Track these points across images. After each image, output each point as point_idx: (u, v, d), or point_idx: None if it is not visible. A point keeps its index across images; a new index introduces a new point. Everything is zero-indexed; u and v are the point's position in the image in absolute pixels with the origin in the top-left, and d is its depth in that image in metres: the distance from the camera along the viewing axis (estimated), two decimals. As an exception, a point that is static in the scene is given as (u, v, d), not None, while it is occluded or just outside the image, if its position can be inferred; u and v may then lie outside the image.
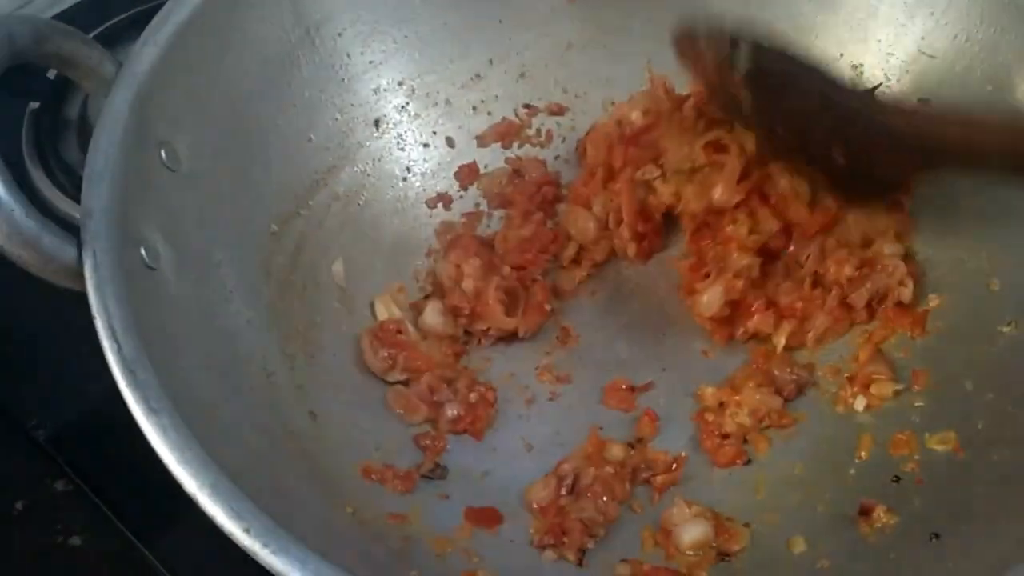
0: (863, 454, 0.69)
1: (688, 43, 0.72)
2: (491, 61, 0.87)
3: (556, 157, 0.87)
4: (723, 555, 0.66)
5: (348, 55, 0.81)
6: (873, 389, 0.71)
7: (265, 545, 0.48)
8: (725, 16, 0.71)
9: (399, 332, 0.75)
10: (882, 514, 0.63)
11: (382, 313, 0.77)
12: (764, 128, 0.71)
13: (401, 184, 0.84)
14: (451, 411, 0.72)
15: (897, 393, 0.70)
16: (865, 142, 0.69)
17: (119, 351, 0.53)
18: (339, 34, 0.80)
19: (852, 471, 0.69)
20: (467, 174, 0.86)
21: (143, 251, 0.60)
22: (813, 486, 0.68)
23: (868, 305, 0.74)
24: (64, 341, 0.79)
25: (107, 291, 0.55)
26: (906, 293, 0.73)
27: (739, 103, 0.70)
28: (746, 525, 0.67)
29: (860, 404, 0.71)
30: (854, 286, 0.73)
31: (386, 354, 0.73)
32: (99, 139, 0.61)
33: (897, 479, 0.66)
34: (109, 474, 0.76)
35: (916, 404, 0.71)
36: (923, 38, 0.79)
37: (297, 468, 0.61)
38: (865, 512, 0.64)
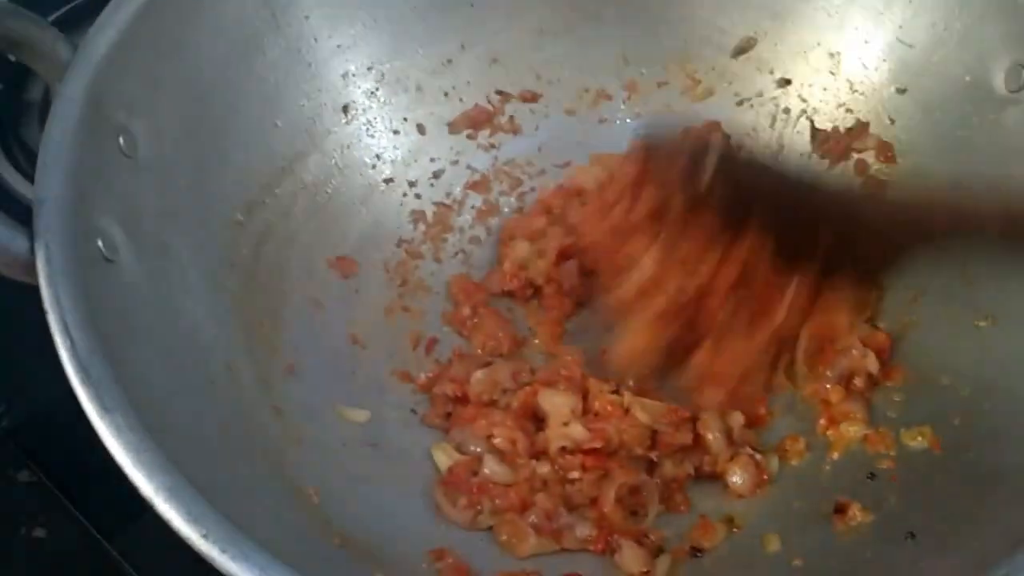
0: (837, 453, 0.68)
1: (650, 153, 0.72)
2: (462, 46, 0.85)
3: (540, 148, 0.86)
4: (696, 551, 0.65)
5: (315, 39, 0.79)
6: (843, 428, 0.69)
7: (223, 551, 0.46)
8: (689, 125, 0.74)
9: (473, 474, 0.68)
10: (857, 512, 0.62)
11: (443, 461, 0.69)
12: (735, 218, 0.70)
13: (370, 172, 0.82)
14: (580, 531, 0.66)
15: (865, 437, 0.68)
16: (842, 233, 0.69)
17: (72, 347, 0.50)
18: (305, 17, 0.78)
19: (827, 467, 0.68)
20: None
21: (100, 242, 0.58)
22: (788, 483, 0.67)
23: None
24: (25, 331, 0.76)
25: (60, 284, 0.53)
26: (873, 364, 0.71)
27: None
28: (724, 522, 0.66)
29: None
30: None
31: (465, 502, 0.67)
32: (52, 127, 0.59)
33: (872, 476, 0.66)
34: (71, 466, 0.74)
35: (892, 399, 0.70)
36: (901, 26, 0.78)
37: (259, 468, 0.59)
38: (840, 510, 0.63)
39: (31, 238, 0.55)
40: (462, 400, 0.72)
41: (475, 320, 0.77)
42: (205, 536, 0.46)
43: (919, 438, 0.66)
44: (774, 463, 0.69)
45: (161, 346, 0.60)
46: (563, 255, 0.78)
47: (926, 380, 0.69)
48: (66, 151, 0.58)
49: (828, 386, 0.70)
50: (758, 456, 0.69)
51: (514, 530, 0.66)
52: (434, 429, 0.72)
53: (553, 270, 0.78)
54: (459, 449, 0.70)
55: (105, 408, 0.49)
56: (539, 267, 0.79)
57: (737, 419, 0.70)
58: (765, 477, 0.68)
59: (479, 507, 0.66)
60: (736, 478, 0.68)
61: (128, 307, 0.58)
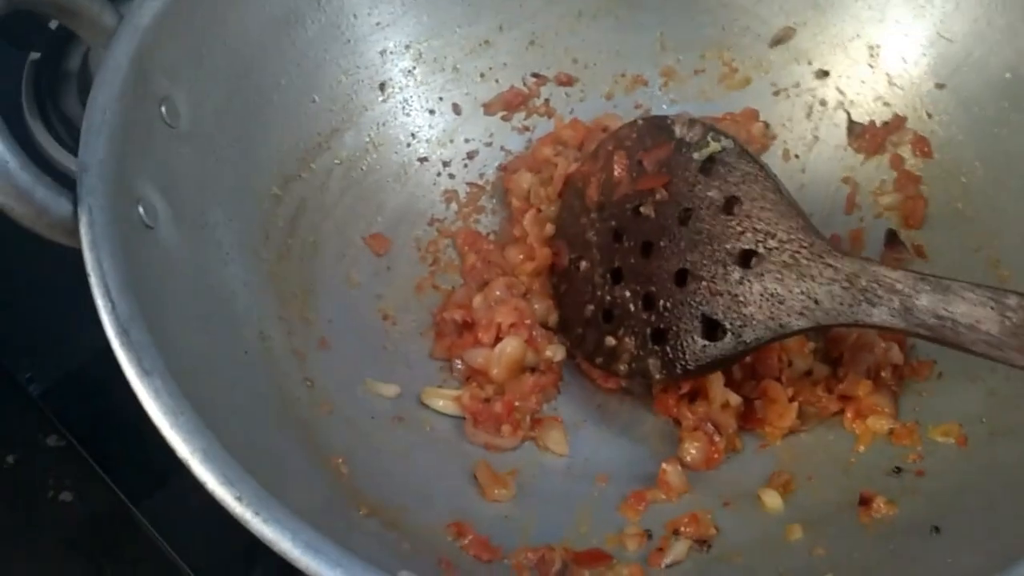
0: (863, 446, 0.68)
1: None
2: (500, 27, 0.85)
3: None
4: (705, 543, 0.65)
5: (355, 15, 0.79)
6: (870, 422, 0.69)
7: (256, 513, 0.47)
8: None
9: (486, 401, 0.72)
10: (882, 505, 0.62)
11: (444, 405, 0.72)
12: None
13: (405, 150, 0.82)
14: None
15: (892, 432, 0.68)
16: None
17: (113, 310, 0.51)
18: (347, -7, 0.78)
19: (853, 460, 0.68)
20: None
21: (140, 208, 0.59)
22: (813, 474, 0.68)
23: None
24: (58, 295, 0.77)
25: (102, 248, 0.53)
26: (897, 356, 0.71)
27: None
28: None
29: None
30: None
31: (502, 422, 0.71)
32: (97, 93, 0.60)
33: (898, 470, 0.65)
34: (100, 431, 0.75)
35: (920, 394, 0.70)
36: (942, 21, 0.78)
37: (290, 437, 0.60)
38: (864, 503, 0.63)
39: (74, 202, 0.56)
40: (468, 326, 0.74)
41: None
42: (239, 499, 0.47)
43: (946, 434, 0.66)
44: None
45: (197, 313, 0.60)
46: (569, 182, 0.79)
47: (954, 376, 0.69)
48: (110, 117, 0.59)
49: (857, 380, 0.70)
50: (716, 437, 0.70)
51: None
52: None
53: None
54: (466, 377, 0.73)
55: (145, 371, 0.49)
56: (542, 195, 0.79)
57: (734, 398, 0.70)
58: (716, 456, 0.69)
59: (517, 421, 0.70)
60: (692, 451, 0.69)
61: (166, 274, 0.59)
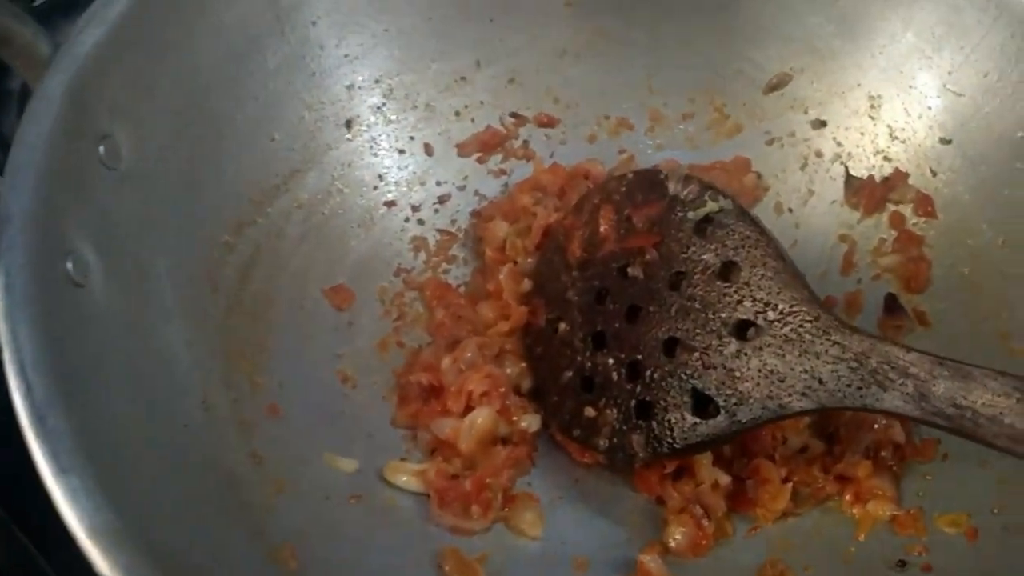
0: (863, 533, 0.63)
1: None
2: (478, 63, 0.79)
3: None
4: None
5: (321, 46, 0.73)
6: (871, 507, 0.64)
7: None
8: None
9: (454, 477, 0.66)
10: (889, 608, 0.57)
11: (409, 482, 0.66)
12: None
13: (372, 193, 0.76)
14: None
15: (894, 518, 0.63)
16: None
17: (28, 393, 0.44)
18: (313, 22, 0.72)
19: (852, 549, 0.63)
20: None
21: (69, 264, 0.52)
22: (809, 564, 0.62)
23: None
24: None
25: (20, 318, 0.47)
26: (899, 435, 0.65)
27: None
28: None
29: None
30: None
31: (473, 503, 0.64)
32: (26, 131, 0.53)
33: (903, 564, 0.60)
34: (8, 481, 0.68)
35: (924, 478, 0.65)
36: (950, 73, 0.73)
37: (233, 527, 0.53)
38: (869, 602, 0.57)
39: (-10, 259, 0.49)
40: (436, 391, 0.68)
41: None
42: (167, 626, 0.40)
43: (954, 524, 0.61)
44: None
45: (131, 382, 0.54)
46: (548, 234, 0.74)
47: (961, 459, 0.64)
48: (39, 159, 0.53)
49: (855, 460, 0.65)
50: (705, 521, 0.64)
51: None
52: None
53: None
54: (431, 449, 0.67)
55: (61, 468, 0.43)
56: (519, 247, 0.74)
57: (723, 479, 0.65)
58: (704, 543, 0.64)
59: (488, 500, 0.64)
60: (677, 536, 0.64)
61: (96, 338, 0.52)
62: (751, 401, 0.60)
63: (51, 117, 0.54)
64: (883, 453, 0.66)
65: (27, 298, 0.48)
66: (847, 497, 0.65)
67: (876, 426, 0.66)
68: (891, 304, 0.73)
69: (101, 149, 0.57)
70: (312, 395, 0.66)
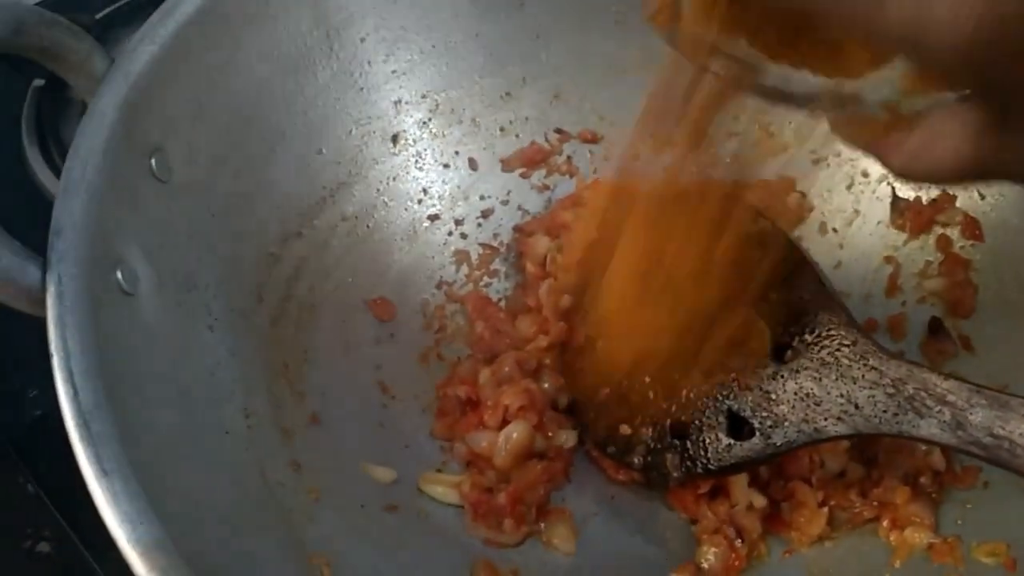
0: (899, 560, 0.62)
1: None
2: (524, 79, 0.80)
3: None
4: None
5: (369, 63, 0.74)
6: (908, 533, 0.63)
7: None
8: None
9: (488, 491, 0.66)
10: (921, 635, 0.56)
11: (445, 493, 0.66)
12: None
13: (416, 207, 0.77)
14: None
15: (931, 547, 0.62)
16: None
17: (75, 398, 0.46)
18: (361, 39, 0.74)
19: (887, 576, 0.62)
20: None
21: (119, 274, 0.54)
22: (843, 589, 0.62)
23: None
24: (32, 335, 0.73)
25: (69, 325, 0.48)
26: (939, 461, 0.65)
27: None
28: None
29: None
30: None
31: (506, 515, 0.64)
32: (80, 145, 0.55)
33: (939, 595, 0.59)
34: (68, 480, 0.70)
35: (963, 505, 0.64)
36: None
37: (270, 534, 0.54)
38: (902, 631, 0.57)
39: (43, 267, 0.51)
40: (473, 404, 0.68)
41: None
42: (198, 629, 0.41)
43: (992, 555, 0.60)
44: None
45: (174, 389, 0.55)
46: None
47: (1002, 486, 0.63)
48: (91, 173, 0.54)
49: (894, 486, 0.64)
50: (738, 542, 0.64)
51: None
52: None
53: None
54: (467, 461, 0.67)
55: (103, 471, 0.44)
56: (559, 263, 0.74)
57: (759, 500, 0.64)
58: (737, 564, 0.63)
59: (521, 514, 0.64)
60: (710, 556, 0.63)
61: (142, 346, 0.54)
62: (787, 424, 0.59)
63: (104, 131, 0.56)
64: (922, 479, 0.65)
65: (76, 307, 0.49)
66: (884, 523, 0.64)
67: (916, 452, 0.65)
68: (936, 328, 0.72)
69: (153, 162, 0.59)
70: (352, 405, 0.67)
